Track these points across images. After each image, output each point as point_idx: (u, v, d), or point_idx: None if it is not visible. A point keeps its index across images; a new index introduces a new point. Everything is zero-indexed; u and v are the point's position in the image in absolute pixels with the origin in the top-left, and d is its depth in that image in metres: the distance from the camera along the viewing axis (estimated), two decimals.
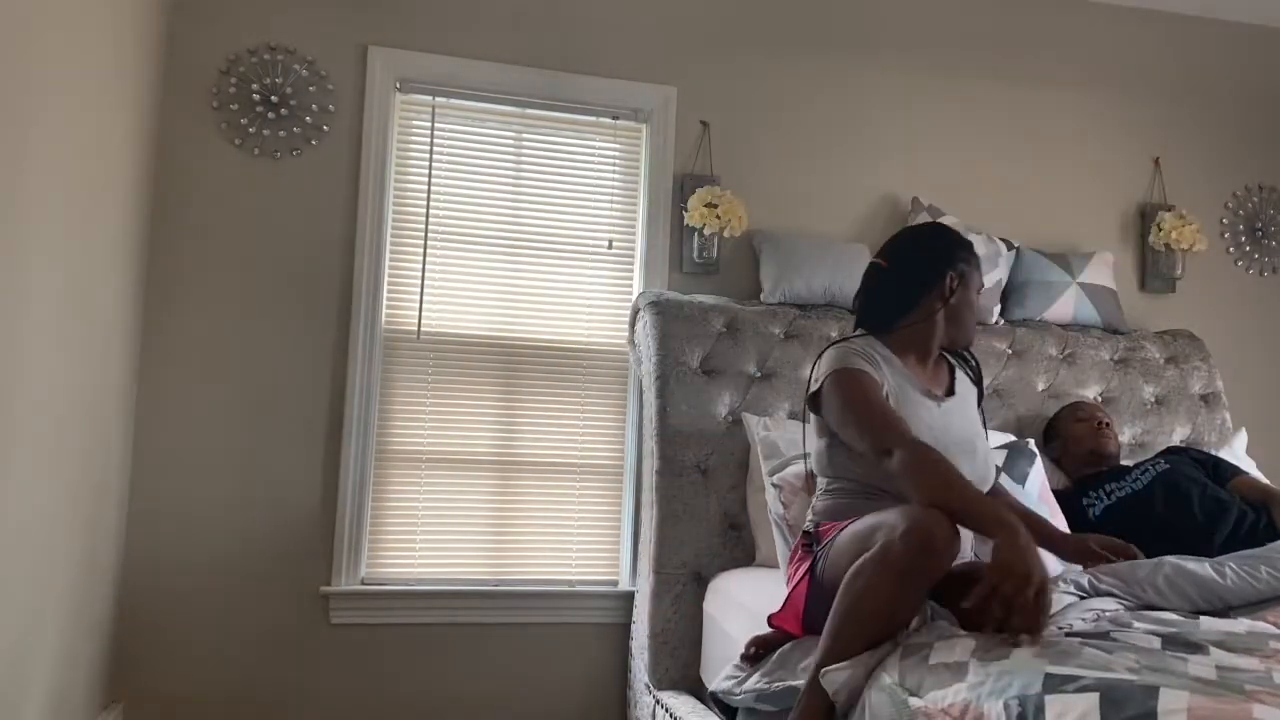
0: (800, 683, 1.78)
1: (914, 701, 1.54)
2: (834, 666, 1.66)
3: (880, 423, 1.92)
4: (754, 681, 1.93)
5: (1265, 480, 2.83)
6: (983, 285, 2.20)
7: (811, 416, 2.12)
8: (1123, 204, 3.60)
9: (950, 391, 2.14)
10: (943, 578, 1.73)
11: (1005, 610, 1.57)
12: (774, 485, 2.52)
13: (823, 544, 1.95)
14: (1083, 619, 1.92)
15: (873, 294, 2.18)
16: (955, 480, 1.77)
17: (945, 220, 3.21)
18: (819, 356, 2.10)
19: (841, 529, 1.90)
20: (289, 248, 2.93)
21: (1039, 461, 2.59)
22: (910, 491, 1.82)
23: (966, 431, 2.08)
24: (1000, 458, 2.56)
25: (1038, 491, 2.52)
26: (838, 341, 2.11)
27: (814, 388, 2.07)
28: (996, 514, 1.70)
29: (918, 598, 1.71)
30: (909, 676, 1.59)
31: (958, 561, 1.84)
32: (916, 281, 2.12)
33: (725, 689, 2.01)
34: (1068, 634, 1.74)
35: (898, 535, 1.65)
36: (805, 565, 1.99)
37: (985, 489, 2.09)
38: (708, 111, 3.22)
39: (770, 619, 2.05)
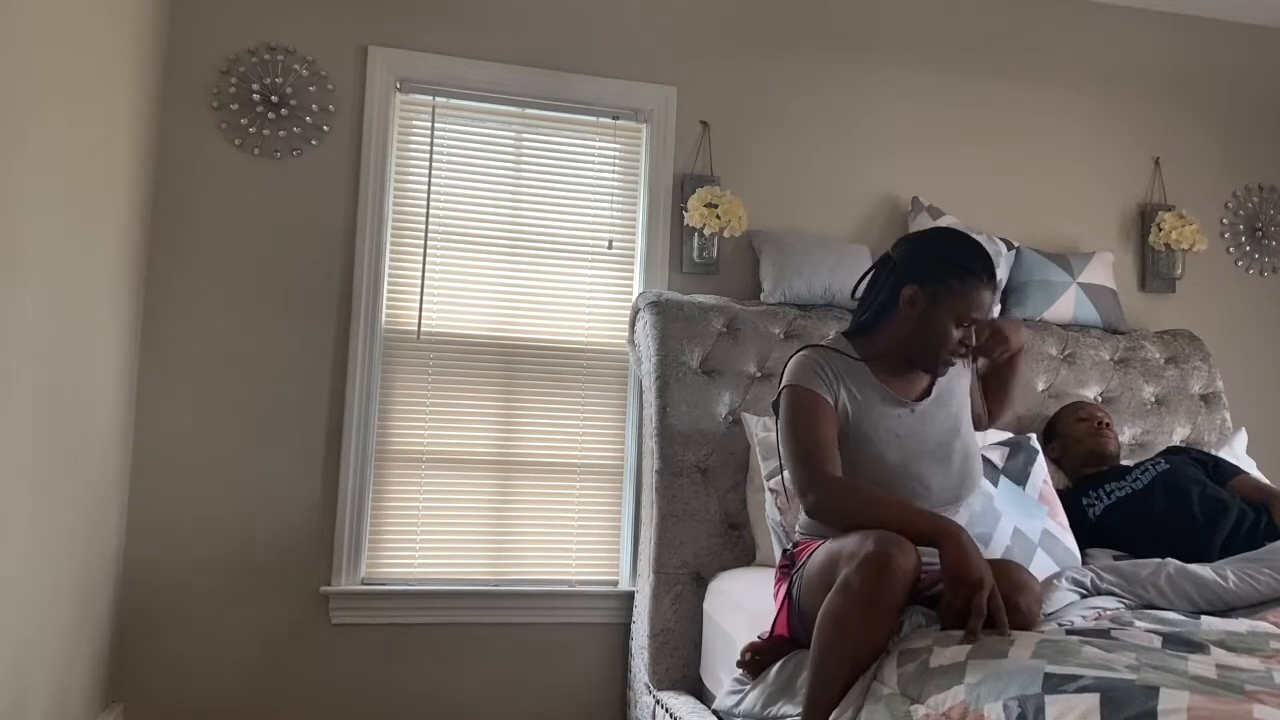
0: (795, 713, 1.79)
1: (917, 709, 1.53)
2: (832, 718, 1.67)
3: (805, 459, 1.89)
4: (750, 703, 1.94)
5: (1265, 480, 2.83)
6: (973, 320, 1.94)
7: None
8: (1123, 204, 3.60)
9: (926, 394, 2.04)
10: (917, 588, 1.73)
11: (962, 620, 1.62)
12: (770, 490, 2.51)
13: (797, 566, 1.96)
14: (1083, 616, 1.93)
15: (870, 285, 2.07)
16: (873, 509, 1.78)
17: (945, 220, 3.21)
18: (786, 362, 2.04)
19: (813, 551, 1.90)
20: (289, 248, 2.93)
21: (1040, 459, 2.58)
22: (831, 530, 1.85)
23: (940, 437, 1.99)
24: (1001, 455, 2.56)
25: (1039, 490, 2.52)
26: (803, 349, 2.03)
27: (775, 396, 2.04)
28: (934, 524, 1.72)
29: (889, 620, 1.70)
30: (910, 685, 1.58)
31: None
32: (892, 285, 1.99)
33: (726, 707, 2.01)
34: (1068, 631, 1.74)
35: (855, 566, 1.66)
36: (784, 587, 1.99)
37: (968, 493, 2.05)
38: (708, 111, 3.22)
39: (761, 637, 2.06)
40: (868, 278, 2.08)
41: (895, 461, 1.95)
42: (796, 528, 2.11)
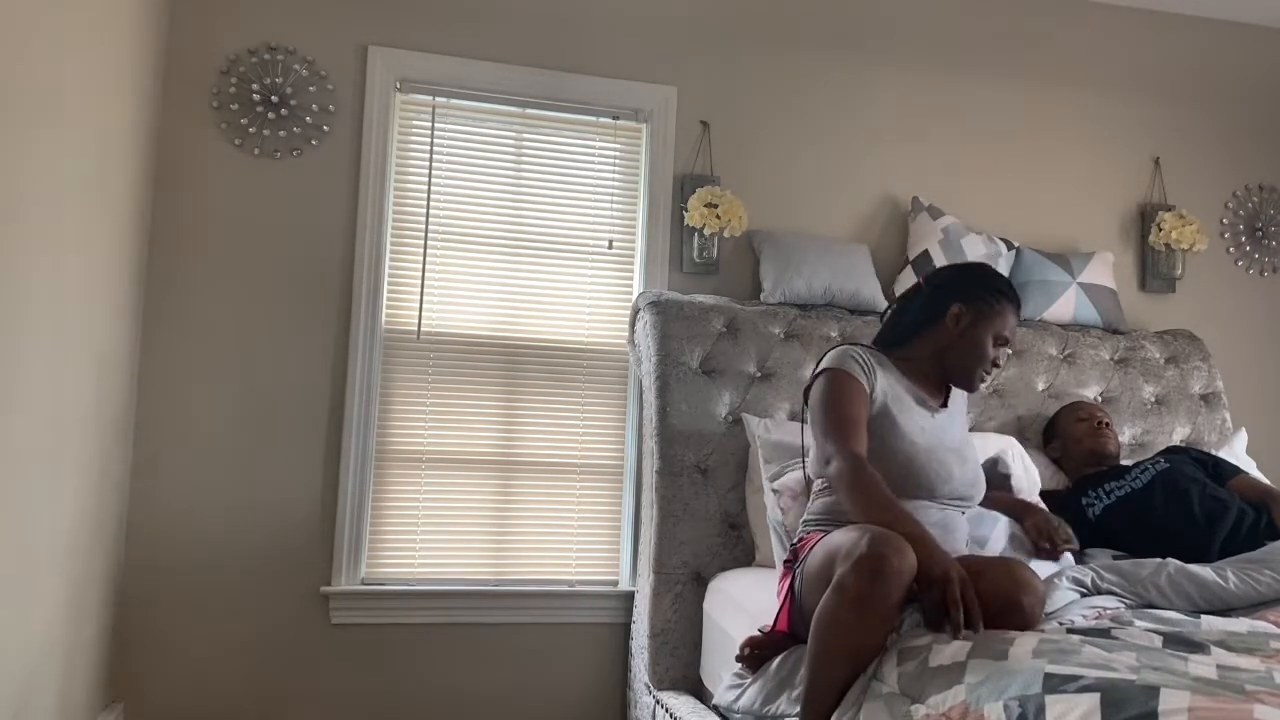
0: (794, 711, 1.79)
1: (917, 709, 1.52)
2: None
3: (835, 431, 1.97)
4: (749, 699, 1.93)
5: (1265, 480, 2.82)
6: (1007, 339, 2.14)
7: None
8: (1123, 204, 3.60)
9: (944, 406, 2.19)
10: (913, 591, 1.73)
11: (942, 616, 1.64)
12: (773, 491, 2.51)
13: (799, 561, 1.97)
14: (1083, 616, 1.93)
15: (899, 310, 2.25)
16: (871, 494, 1.85)
17: (945, 220, 3.21)
18: (822, 355, 2.15)
19: (814, 545, 1.91)
20: (289, 248, 2.93)
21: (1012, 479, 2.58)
22: (843, 503, 1.93)
23: (958, 440, 2.15)
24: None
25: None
26: (843, 344, 2.17)
27: (808, 384, 2.14)
28: (901, 527, 1.75)
29: (886, 621, 1.69)
30: (910, 684, 1.58)
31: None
32: (932, 305, 2.17)
33: (726, 703, 2.01)
34: (1069, 630, 1.74)
35: (849, 566, 1.66)
36: (788, 582, 2.00)
37: (979, 494, 2.16)
38: (708, 111, 3.22)
39: (762, 631, 2.06)
40: (894, 305, 2.27)
41: (924, 447, 2.05)
42: (802, 520, 2.12)
